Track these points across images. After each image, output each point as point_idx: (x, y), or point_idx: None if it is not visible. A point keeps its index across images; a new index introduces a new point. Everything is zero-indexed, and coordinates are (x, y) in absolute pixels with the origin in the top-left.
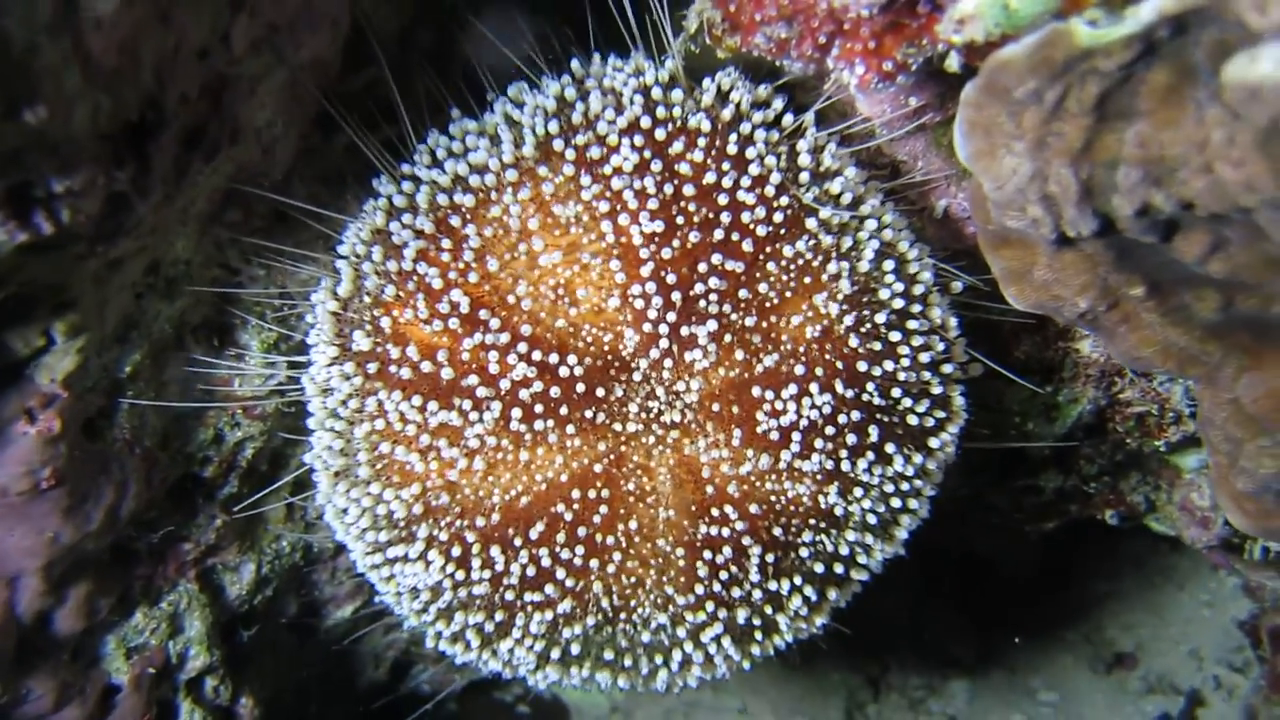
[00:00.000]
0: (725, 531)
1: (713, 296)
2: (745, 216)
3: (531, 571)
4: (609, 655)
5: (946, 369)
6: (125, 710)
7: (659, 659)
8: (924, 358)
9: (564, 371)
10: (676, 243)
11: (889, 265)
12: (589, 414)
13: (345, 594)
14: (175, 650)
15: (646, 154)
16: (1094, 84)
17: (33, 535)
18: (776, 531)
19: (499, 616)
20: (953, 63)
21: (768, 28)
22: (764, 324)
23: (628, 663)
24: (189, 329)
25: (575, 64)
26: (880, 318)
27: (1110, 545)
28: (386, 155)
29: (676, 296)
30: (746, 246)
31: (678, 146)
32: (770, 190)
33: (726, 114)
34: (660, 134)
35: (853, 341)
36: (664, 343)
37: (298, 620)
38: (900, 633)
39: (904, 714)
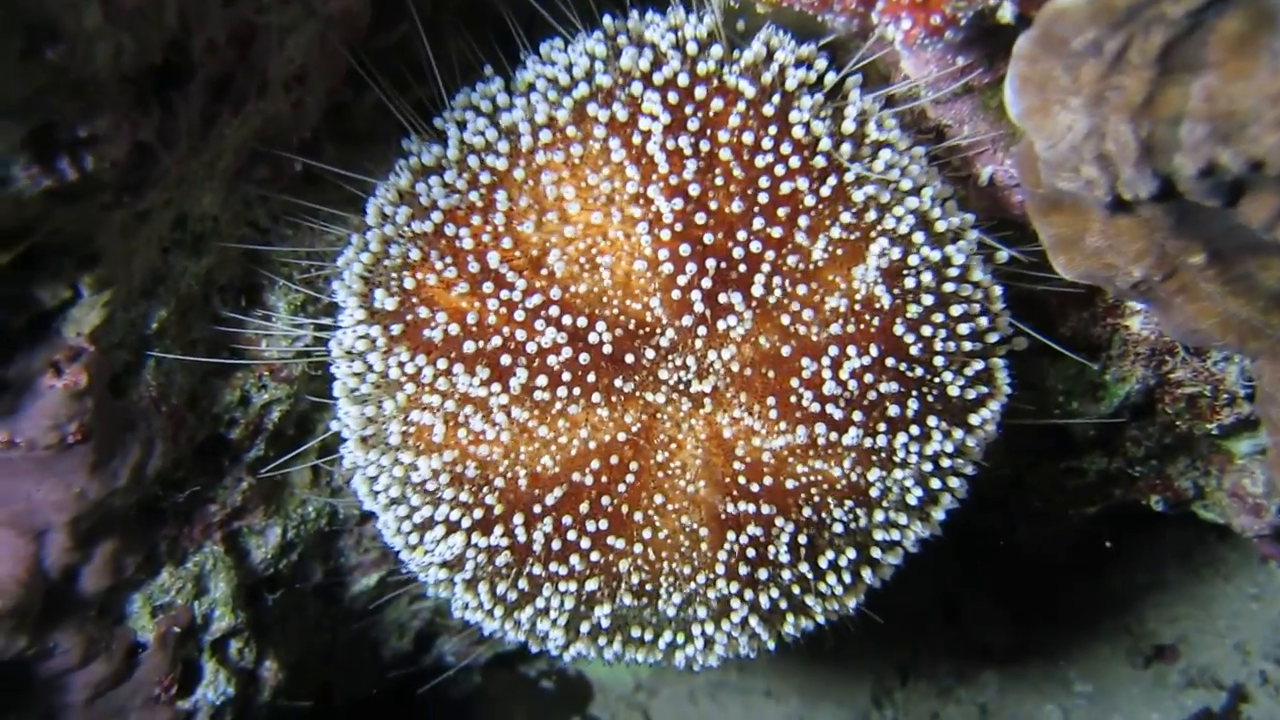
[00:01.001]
0: (754, 508)
1: (751, 263)
2: (786, 186)
3: (557, 544)
4: (635, 632)
5: (990, 338)
6: (150, 667)
7: (682, 637)
8: (964, 328)
9: (593, 338)
10: (714, 206)
11: (928, 236)
12: (618, 383)
13: (371, 561)
14: (200, 611)
15: (683, 113)
16: (1159, 33)
17: (60, 489)
18: (809, 510)
19: (523, 585)
20: (1006, 12)
21: None
22: (803, 291)
23: (650, 638)
24: (216, 288)
25: (608, 20)
26: (920, 286)
27: (1154, 534)
28: (415, 116)
29: (711, 263)
30: (786, 214)
31: (717, 105)
32: (816, 158)
33: (768, 76)
34: (700, 92)
35: (891, 308)
36: (698, 308)
37: (322, 586)
38: (931, 619)
39: (932, 701)
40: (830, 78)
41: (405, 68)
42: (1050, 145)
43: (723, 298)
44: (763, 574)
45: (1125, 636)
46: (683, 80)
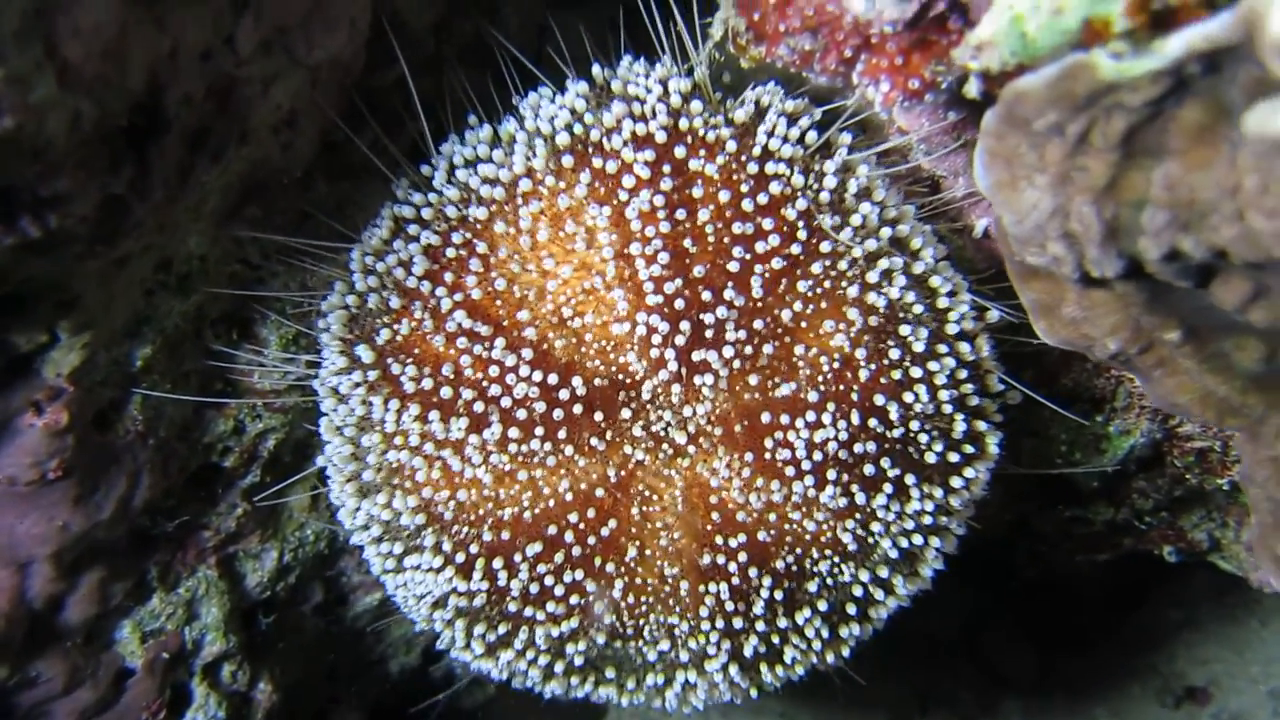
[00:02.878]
0: (732, 564)
1: (725, 323)
2: (760, 246)
3: (534, 589)
4: (610, 673)
5: (973, 402)
6: (138, 693)
7: (663, 681)
8: (944, 394)
9: (564, 394)
10: (690, 265)
11: (914, 296)
12: (593, 441)
13: (373, 581)
14: (191, 636)
15: (661, 171)
16: (1120, 119)
17: (43, 523)
18: (786, 563)
19: (502, 629)
20: (972, 89)
21: (792, 39)
22: (779, 350)
23: (630, 684)
24: (208, 321)
25: (596, 69)
26: (899, 351)
27: (1186, 570)
28: (405, 160)
29: (685, 325)
30: (762, 273)
31: (695, 165)
32: (790, 214)
33: (751, 137)
34: (680, 151)
35: (868, 374)
36: (671, 367)
37: (323, 605)
38: (953, 647)
39: None
40: (811, 136)
41: (401, 105)
42: (1017, 221)
43: (697, 355)
44: (739, 624)
45: (1155, 675)
46: (661, 138)
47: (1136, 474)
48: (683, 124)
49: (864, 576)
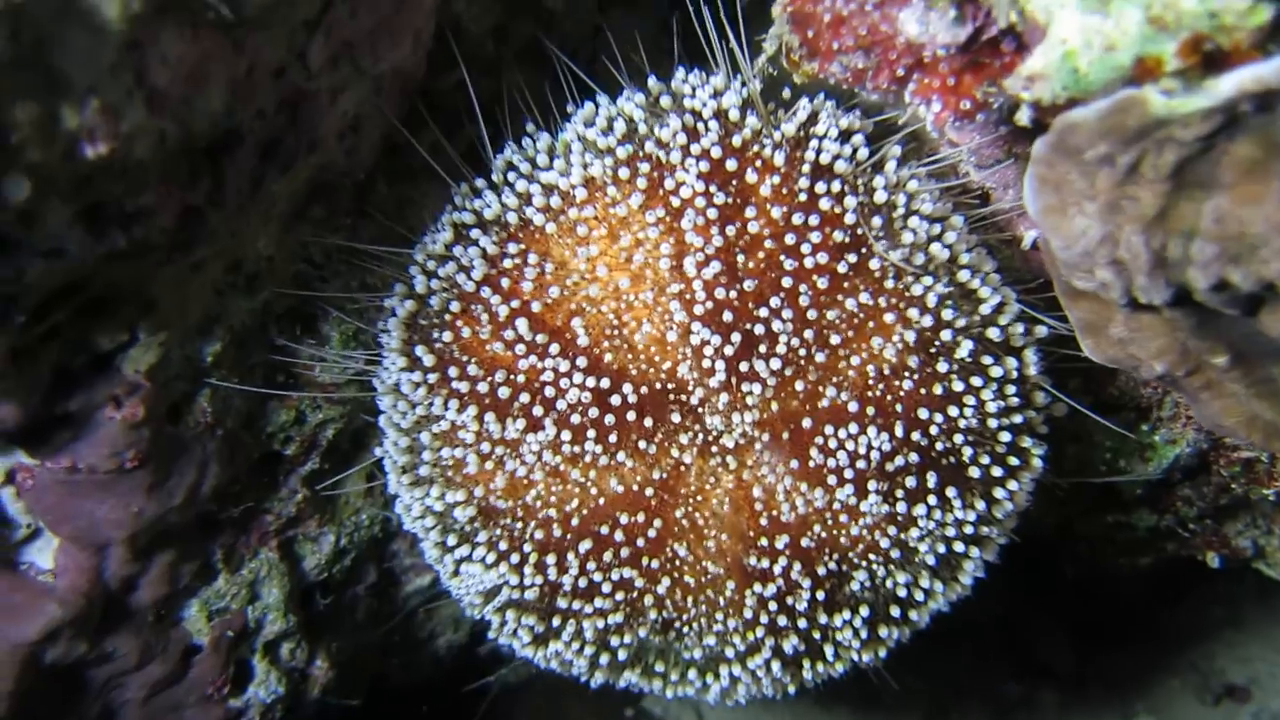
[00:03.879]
0: (776, 566)
1: (773, 335)
2: (810, 261)
3: (583, 583)
4: (659, 667)
5: (1017, 419)
6: (205, 668)
7: (709, 676)
8: (992, 406)
9: (616, 400)
10: (739, 286)
11: (960, 310)
12: (642, 444)
13: (424, 564)
14: (254, 615)
15: (715, 185)
16: (1171, 152)
17: (120, 509)
18: (830, 566)
19: (553, 621)
20: (1023, 117)
21: (845, 56)
22: (827, 361)
23: (675, 676)
24: (273, 317)
25: (653, 80)
26: (946, 364)
27: (1231, 570)
28: (463, 165)
29: (735, 335)
30: (811, 288)
31: (749, 179)
32: (839, 234)
33: (803, 151)
34: (732, 164)
35: (912, 386)
36: (720, 376)
37: (377, 587)
38: (994, 637)
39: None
40: (863, 154)
41: (462, 107)
42: (1066, 246)
43: (745, 365)
44: (784, 621)
45: (1194, 672)
46: (716, 153)
47: (1182, 482)
48: (736, 140)
49: (904, 581)
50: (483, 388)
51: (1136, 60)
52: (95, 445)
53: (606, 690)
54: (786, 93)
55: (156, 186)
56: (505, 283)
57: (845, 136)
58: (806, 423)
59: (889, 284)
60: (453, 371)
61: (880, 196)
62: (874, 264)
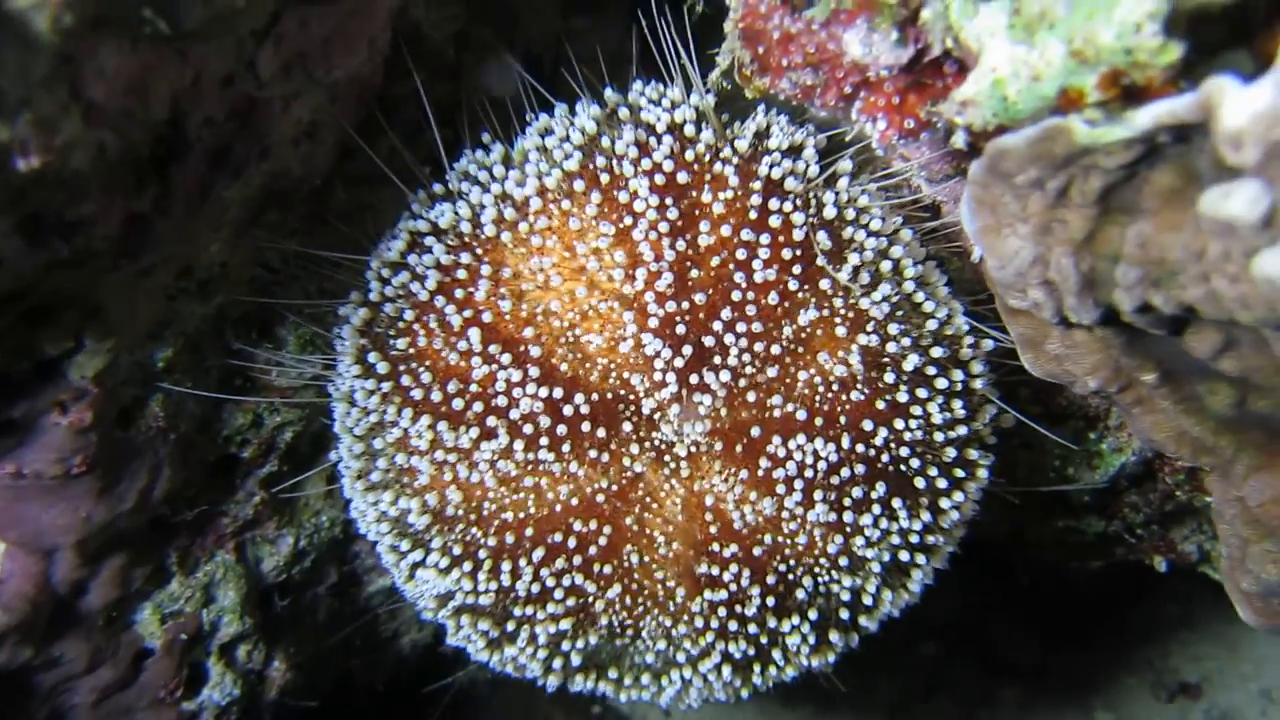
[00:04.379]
0: (726, 573)
1: (724, 348)
2: (760, 277)
3: (536, 589)
4: (613, 673)
5: (963, 430)
6: (157, 671)
7: (662, 680)
8: (938, 419)
9: (569, 409)
10: (691, 298)
11: (908, 324)
12: (592, 452)
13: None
14: (208, 618)
15: (666, 200)
16: (1097, 178)
17: (68, 514)
18: (779, 573)
19: (506, 626)
20: (959, 140)
21: (794, 73)
22: (776, 375)
23: (628, 680)
24: (229, 322)
25: (609, 92)
26: (893, 376)
27: (1191, 573)
28: (420, 172)
29: (687, 349)
30: (762, 302)
31: (703, 195)
32: (787, 253)
33: (760, 169)
34: (683, 178)
35: (860, 398)
36: (672, 388)
37: (338, 588)
38: (954, 632)
39: (951, 717)
40: (813, 171)
41: (421, 113)
42: (1001, 266)
43: (695, 378)
44: (734, 627)
45: (1150, 670)
46: (669, 166)
47: (1129, 489)
48: (689, 154)
49: (852, 587)
50: (436, 396)
51: (1061, 91)
52: (41, 451)
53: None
54: (741, 102)
55: (98, 196)
56: (459, 292)
57: (797, 152)
58: (756, 432)
59: (837, 299)
60: (406, 380)
61: (829, 213)
62: (824, 281)
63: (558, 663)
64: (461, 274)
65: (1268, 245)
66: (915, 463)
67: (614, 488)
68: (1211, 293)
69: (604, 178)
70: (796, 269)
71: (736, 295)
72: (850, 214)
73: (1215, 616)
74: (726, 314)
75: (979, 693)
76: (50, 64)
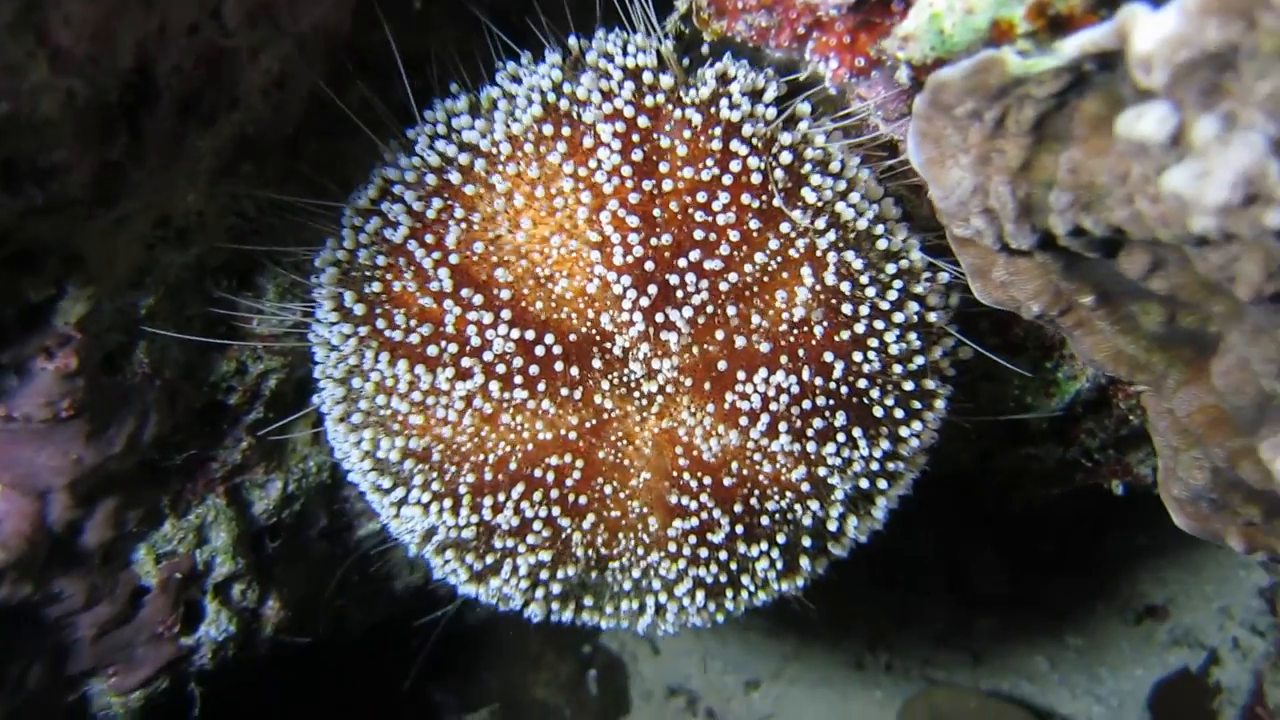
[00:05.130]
0: (695, 503)
1: (689, 285)
2: (721, 218)
3: (515, 522)
4: (589, 600)
5: (920, 361)
6: (154, 609)
7: (636, 605)
8: (895, 350)
9: (540, 350)
10: (655, 239)
11: (866, 259)
12: (564, 391)
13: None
14: (202, 558)
15: (630, 143)
16: (1030, 108)
17: (58, 457)
18: (747, 502)
19: (488, 559)
20: (902, 75)
21: (749, 15)
22: (740, 310)
23: (609, 609)
24: (209, 271)
25: (573, 40)
26: (850, 308)
27: (1152, 497)
28: (392, 121)
29: (653, 288)
30: (724, 241)
31: (664, 140)
32: (747, 196)
33: (721, 111)
34: (643, 122)
35: (821, 332)
36: (640, 326)
37: (329, 531)
38: (929, 565)
39: (926, 647)
40: (771, 113)
41: (393, 63)
42: (944, 196)
43: (661, 316)
44: (704, 554)
45: (1118, 596)
46: (629, 111)
47: (1084, 416)
48: (649, 100)
49: (817, 512)
50: (413, 339)
51: (992, 23)
52: (30, 395)
53: (565, 625)
54: (705, 50)
55: (70, 143)
56: (430, 237)
57: (757, 95)
58: (722, 366)
59: (797, 238)
60: (381, 323)
61: (786, 157)
62: (784, 223)
63: (539, 593)
64: (431, 216)
65: (1175, 163)
66: (874, 393)
67: (587, 424)
68: (1135, 214)
69: (567, 124)
70: (757, 207)
71: (699, 235)
72: (809, 153)
73: (1181, 543)
74: (693, 254)
75: (954, 624)
76: (15, 10)
